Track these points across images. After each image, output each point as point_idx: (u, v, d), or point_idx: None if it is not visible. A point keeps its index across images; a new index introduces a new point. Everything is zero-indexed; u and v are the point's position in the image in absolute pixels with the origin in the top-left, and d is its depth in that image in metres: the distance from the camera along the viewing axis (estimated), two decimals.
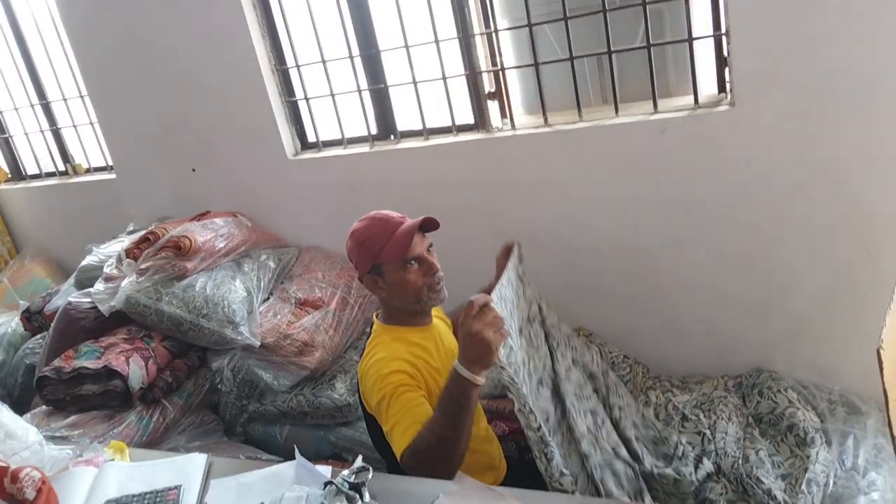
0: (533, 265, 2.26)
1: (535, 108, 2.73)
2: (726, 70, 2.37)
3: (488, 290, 2.00)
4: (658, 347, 2.70)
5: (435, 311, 1.95)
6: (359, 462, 1.36)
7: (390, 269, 1.78)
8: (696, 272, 2.55)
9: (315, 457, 2.68)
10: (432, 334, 1.88)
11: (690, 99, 2.44)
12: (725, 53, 2.35)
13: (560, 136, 2.59)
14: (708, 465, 2.14)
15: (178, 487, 1.42)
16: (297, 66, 3.01)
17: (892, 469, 2.04)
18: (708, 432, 2.26)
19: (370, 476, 1.33)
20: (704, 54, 2.48)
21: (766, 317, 2.50)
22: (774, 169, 2.30)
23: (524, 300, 1.93)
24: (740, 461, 2.15)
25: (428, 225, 1.81)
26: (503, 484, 1.96)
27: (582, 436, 1.77)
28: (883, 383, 1.15)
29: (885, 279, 1.22)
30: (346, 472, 1.34)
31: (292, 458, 2.68)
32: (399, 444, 1.51)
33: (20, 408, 2.87)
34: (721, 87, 2.46)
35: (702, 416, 2.32)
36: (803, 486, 2.01)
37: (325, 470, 1.38)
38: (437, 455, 1.44)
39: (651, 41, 2.40)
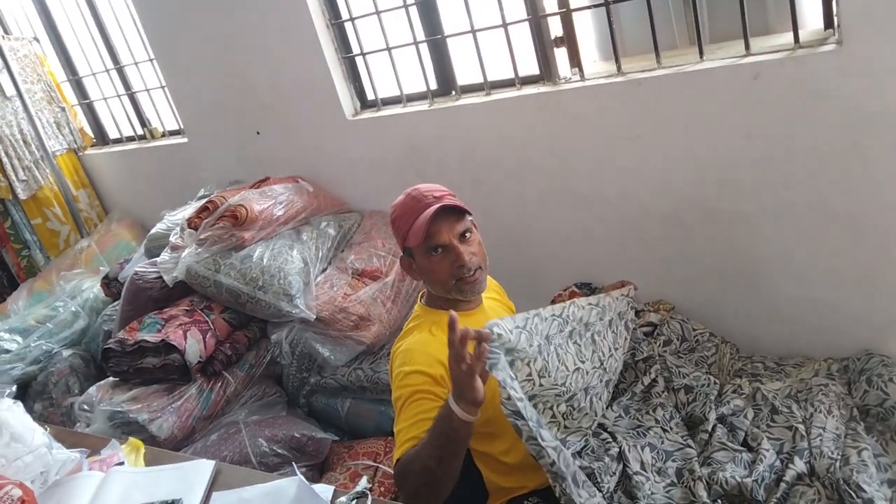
0: (605, 230, 2.01)
1: (610, 54, 2.41)
2: (833, 1, 1.97)
3: None
4: (750, 324, 2.38)
5: (490, 289, 1.77)
6: (362, 485, 1.23)
7: (418, 253, 1.61)
8: (796, 239, 2.20)
9: (375, 432, 2.59)
10: (477, 320, 1.70)
11: (790, 37, 2.06)
12: None
13: (634, 85, 2.28)
14: (799, 465, 1.86)
15: (176, 501, 1.34)
16: (352, 19, 2.82)
17: None
18: (801, 427, 1.95)
19: (369, 502, 1.19)
20: None
21: (879, 291, 2.14)
22: (891, 119, 1.91)
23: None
24: (838, 463, 1.84)
25: (457, 210, 1.61)
26: None
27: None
28: None
29: None
30: (344, 498, 1.21)
31: (354, 433, 2.67)
32: (396, 453, 1.42)
33: (103, 373, 2.95)
34: (827, 23, 2.06)
35: (795, 407, 2.02)
36: None
37: (325, 490, 1.25)
38: (419, 481, 1.32)
39: None
